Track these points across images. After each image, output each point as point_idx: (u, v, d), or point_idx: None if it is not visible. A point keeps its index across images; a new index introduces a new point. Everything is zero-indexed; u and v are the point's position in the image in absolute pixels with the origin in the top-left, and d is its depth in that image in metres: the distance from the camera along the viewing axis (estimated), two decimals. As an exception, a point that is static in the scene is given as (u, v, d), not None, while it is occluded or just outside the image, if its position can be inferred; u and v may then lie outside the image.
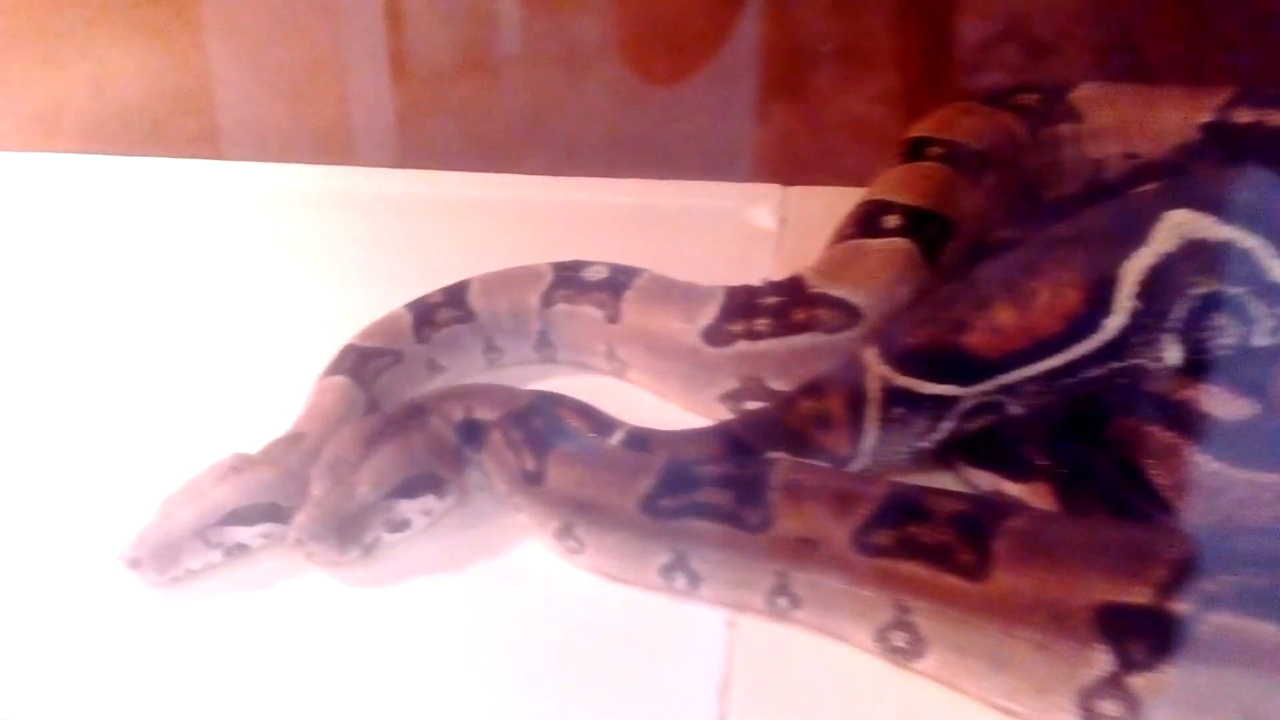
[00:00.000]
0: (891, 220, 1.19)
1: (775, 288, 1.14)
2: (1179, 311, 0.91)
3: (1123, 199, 0.99)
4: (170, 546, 0.93)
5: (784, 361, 1.10)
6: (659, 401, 1.18)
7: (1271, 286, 0.90)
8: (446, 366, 1.22)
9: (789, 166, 1.70)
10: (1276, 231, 0.90)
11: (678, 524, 0.89)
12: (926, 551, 0.82)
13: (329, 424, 1.05)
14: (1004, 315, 0.95)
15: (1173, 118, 1.48)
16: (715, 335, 1.12)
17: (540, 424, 1.00)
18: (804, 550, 0.86)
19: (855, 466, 1.01)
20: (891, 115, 1.67)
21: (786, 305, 1.11)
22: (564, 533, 0.94)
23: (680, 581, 0.91)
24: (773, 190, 1.60)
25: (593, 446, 0.97)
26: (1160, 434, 0.93)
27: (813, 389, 1.03)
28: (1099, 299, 0.92)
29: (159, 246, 1.48)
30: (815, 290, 1.11)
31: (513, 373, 1.24)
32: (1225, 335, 0.92)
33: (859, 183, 1.52)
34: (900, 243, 1.16)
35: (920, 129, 1.41)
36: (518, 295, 1.24)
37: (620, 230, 1.50)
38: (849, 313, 1.09)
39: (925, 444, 1.01)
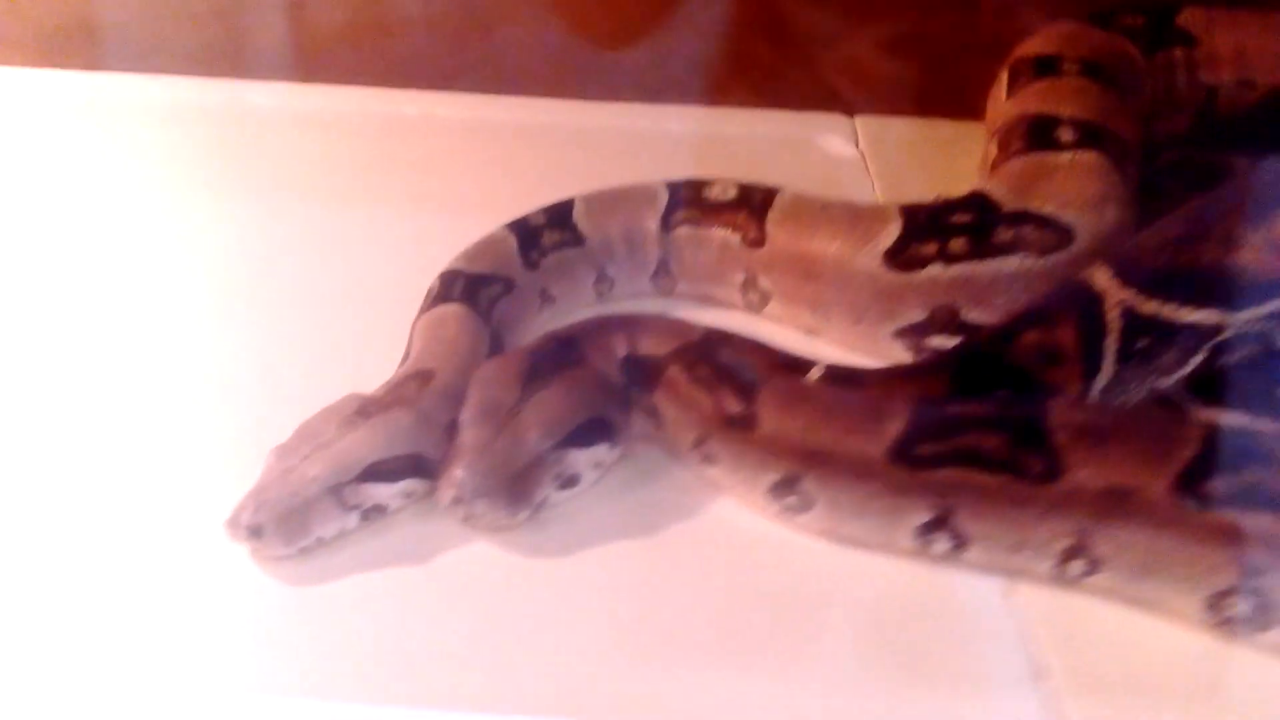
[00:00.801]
0: (1066, 134, 1.05)
1: (962, 205, 0.98)
2: None
3: None
4: (299, 509, 0.73)
5: (985, 289, 0.94)
6: (807, 339, 1.02)
7: None
8: (556, 297, 1.04)
9: (852, 95, 1.53)
10: None
11: (939, 475, 0.73)
12: (1273, 501, 0.67)
13: (459, 359, 0.86)
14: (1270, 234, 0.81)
15: (1286, 44, 1.36)
16: (901, 258, 0.95)
17: (730, 359, 0.82)
18: (1111, 504, 0.70)
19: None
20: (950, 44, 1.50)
21: (983, 224, 0.95)
22: (784, 488, 0.77)
23: (941, 544, 0.75)
24: (837, 119, 1.44)
25: (811, 388, 0.80)
26: None
27: (1037, 320, 0.88)
28: None
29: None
30: (1013, 208, 0.96)
31: (627, 307, 1.06)
32: None
33: (928, 112, 1.40)
34: (1091, 156, 1.01)
35: (1036, 48, 1.26)
36: (631, 217, 1.06)
37: (683, 159, 1.31)
38: (1060, 232, 0.94)
39: (1166, 382, 0.86)
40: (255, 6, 1.44)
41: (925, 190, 1.09)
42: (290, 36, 1.46)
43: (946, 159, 1.26)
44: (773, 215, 1.02)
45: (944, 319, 0.96)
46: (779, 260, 1.02)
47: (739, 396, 0.79)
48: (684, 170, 1.16)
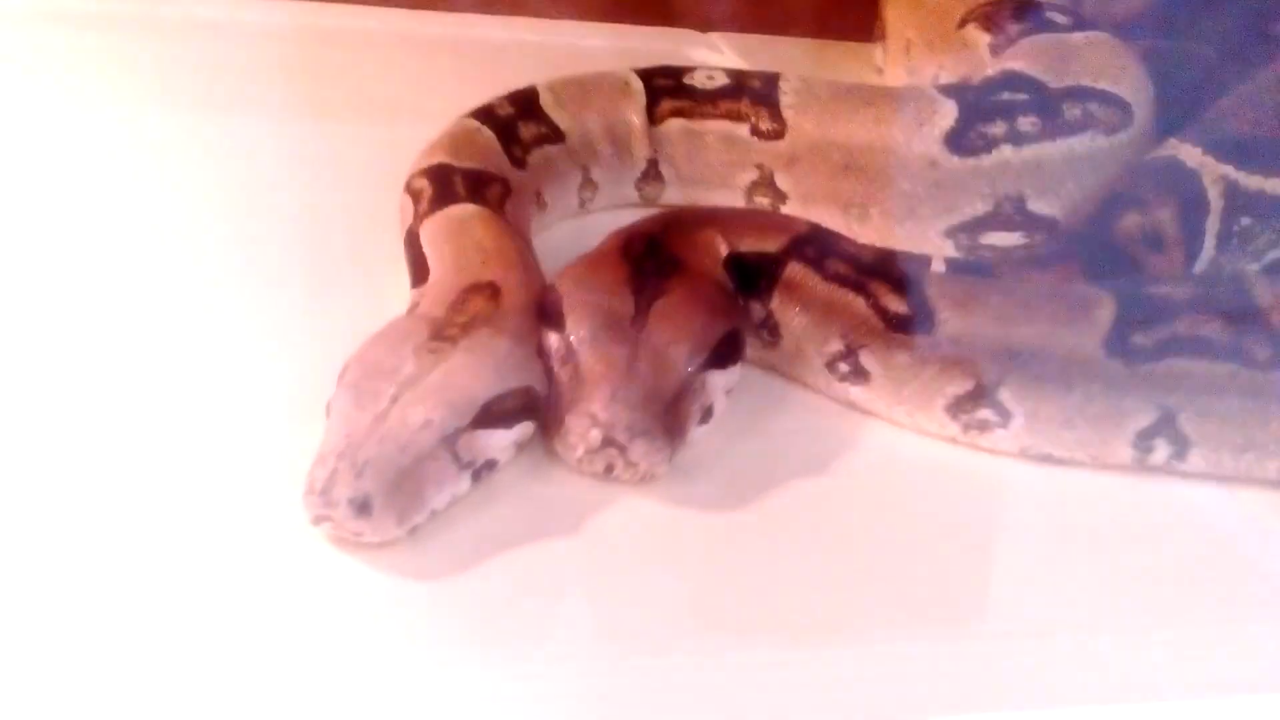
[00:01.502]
0: (1059, 17, 0.97)
1: (1004, 83, 0.88)
2: None
3: None
4: (411, 471, 0.51)
5: (1055, 173, 0.85)
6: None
7: None
8: (548, 203, 0.84)
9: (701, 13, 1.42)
10: None
11: (1160, 368, 0.62)
12: None
13: (518, 268, 0.66)
14: None
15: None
16: (964, 141, 0.83)
17: (859, 255, 0.67)
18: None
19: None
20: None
21: (1044, 102, 0.85)
22: (971, 401, 0.63)
23: (1161, 452, 0.63)
24: (694, 35, 1.33)
25: (980, 280, 0.66)
26: None
27: (1133, 202, 0.79)
28: None
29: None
30: (1063, 85, 0.86)
31: (619, 216, 0.89)
32: None
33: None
34: (1102, 36, 0.94)
35: None
36: (609, 109, 0.90)
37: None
38: (1122, 108, 0.86)
39: (1257, 265, 0.80)
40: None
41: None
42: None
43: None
44: (789, 101, 0.88)
45: (1008, 211, 0.85)
46: (806, 153, 0.87)
47: (899, 294, 0.64)
48: None
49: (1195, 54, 1.04)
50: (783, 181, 0.89)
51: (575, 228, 0.87)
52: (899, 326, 0.64)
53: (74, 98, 0.93)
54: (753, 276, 0.68)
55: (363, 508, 0.49)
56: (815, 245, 0.68)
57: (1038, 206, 0.85)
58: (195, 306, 0.70)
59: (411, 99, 1.03)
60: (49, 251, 0.74)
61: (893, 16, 1.13)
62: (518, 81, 0.91)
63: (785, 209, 0.89)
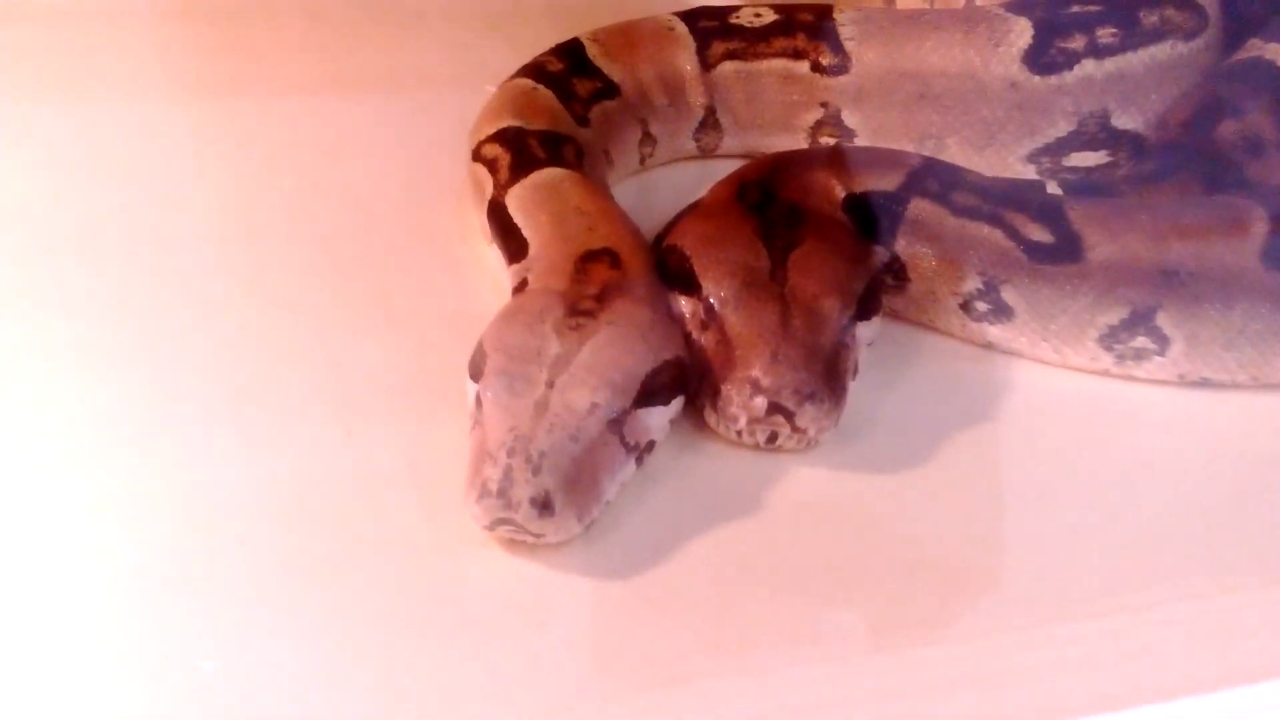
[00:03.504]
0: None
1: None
2: None
3: None
4: (584, 460, 0.46)
5: (1138, 85, 0.81)
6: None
7: None
8: (614, 160, 0.79)
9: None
10: None
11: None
12: None
13: (628, 231, 0.61)
14: None
15: None
16: (1045, 59, 0.79)
17: (978, 183, 0.63)
18: None
19: None
20: None
21: (1119, 12, 0.81)
22: (1129, 329, 0.60)
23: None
24: None
25: (1125, 198, 0.62)
26: None
27: (1227, 109, 0.75)
28: None
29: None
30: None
31: (679, 173, 0.85)
32: None
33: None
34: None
35: None
36: (660, 57, 0.84)
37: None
38: (1197, 12, 0.82)
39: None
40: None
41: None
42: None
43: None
44: (849, 32, 0.83)
45: (1094, 128, 0.81)
46: (874, 86, 0.82)
47: (1039, 222, 0.60)
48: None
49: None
50: (850, 118, 0.84)
51: (638, 185, 0.83)
52: (1045, 257, 0.60)
53: (79, 91, 0.87)
54: (873, 218, 0.63)
55: (545, 506, 0.45)
56: (936, 178, 0.64)
57: (1122, 122, 0.81)
58: (268, 304, 0.65)
59: (430, 66, 0.97)
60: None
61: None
62: (538, 42, 0.86)
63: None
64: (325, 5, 1.10)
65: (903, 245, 0.63)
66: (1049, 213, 0.61)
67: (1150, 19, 0.82)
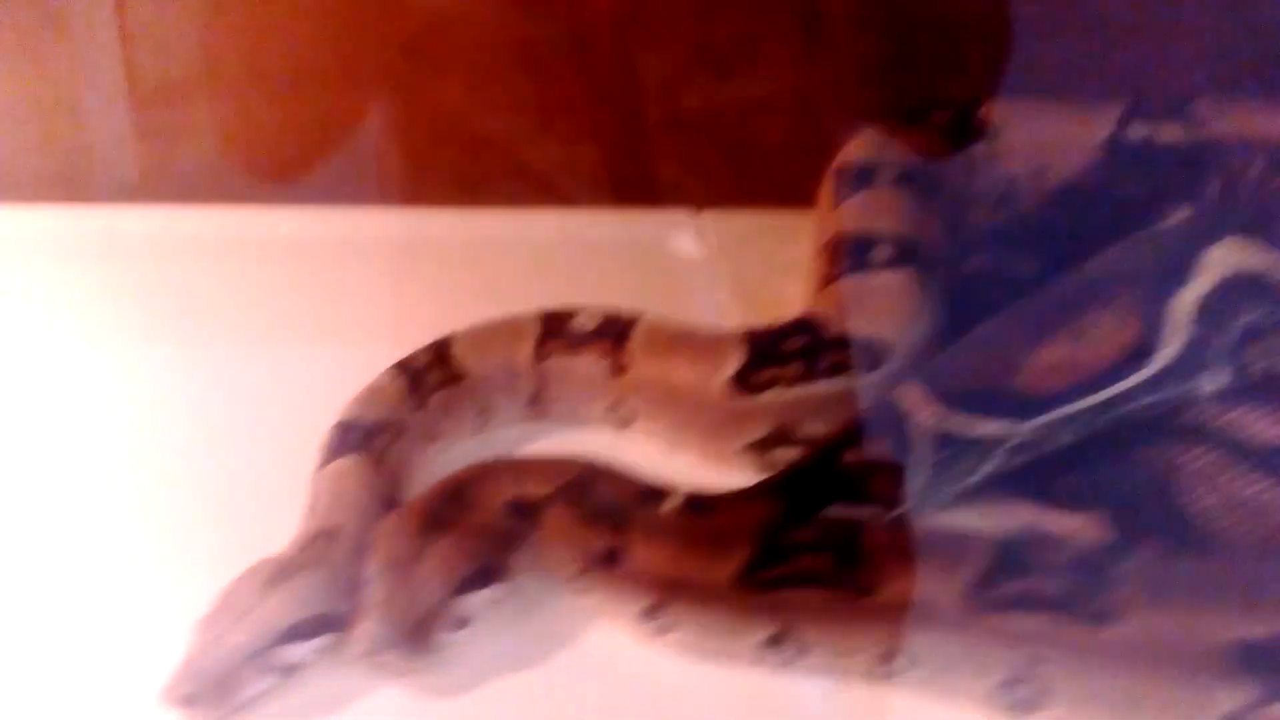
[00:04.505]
0: (881, 252, 1.20)
1: (793, 330, 1.12)
2: (1224, 339, 0.95)
3: (1154, 233, 1.02)
4: (226, 676, 0.83)
5: (817, 407, 1.09)
6: (671, 453, 1.15)
7: (1305, 311, 0.95)
8: (443, 431, 1.15)
9: (698, 189, 1.64)
10: (1306, 258, 0.95)
11: (780, 595, 0.87)
12: (1049, 605, 0.82)
13: (360, 513, 0.96)
14: (1056, 353, 0.97)
15: (1075, 134, 1.55)
16: (744, 384, 1.09)
17: (602, 496, 0.95)
18: (916, 613, 0.84)
19: (900, 512, 1.00)
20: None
21: (812, 348, 1.10)
22: (650, 614, 0.90)
23: (785, 653, 0.88)
24: (686, 216, 1.55)
25: (670, 520, 0.93)
26: (1204, 458, 0.97)
27: (856, 435, 1.02)
28: (1147, 334, 0.95)
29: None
30: (836, 332, 1.10)
31: (508, 433, 1.18)
32: (1263, 359, 0.96)
33: (770, 205, 1.50)
34: (903, 275, 1.16)
35: (853, 155, 1.42)
36: (507, 351, 1.18)
37: (537, 268, 1.42)
38: (878, 352, 1.09)
39: (972, 481, 1.02)
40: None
41: (772, 289, 1.23)
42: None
43: (792, 253, 1.35)
44: (633, 343, 1.15)
45: (784, 434, 1.10)
46: (641, 386, 1.14)
47: (609, 534, 0.91)
48: (548, 278, 1.28)
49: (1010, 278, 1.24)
50: (629, 406, 1.17)
51: (472, 447, 1.14)
52: (604, 560, 0.91)
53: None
54: (528, 516, 0.96)
55: (188, 700, 0.81)
56: (572, 491, 0.95)
57: (807, 430, 1.10)
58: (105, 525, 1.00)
59: (382, 314, 1.28)
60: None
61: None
62: (482, 287, 1.19)
63: (635, 424, 1.17)
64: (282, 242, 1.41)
65: (540, 538, 0.95)
66: (614, 527, 0.92)
67: (831, 359, 1.08)
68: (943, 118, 1.53)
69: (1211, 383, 0.96)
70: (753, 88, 1.67)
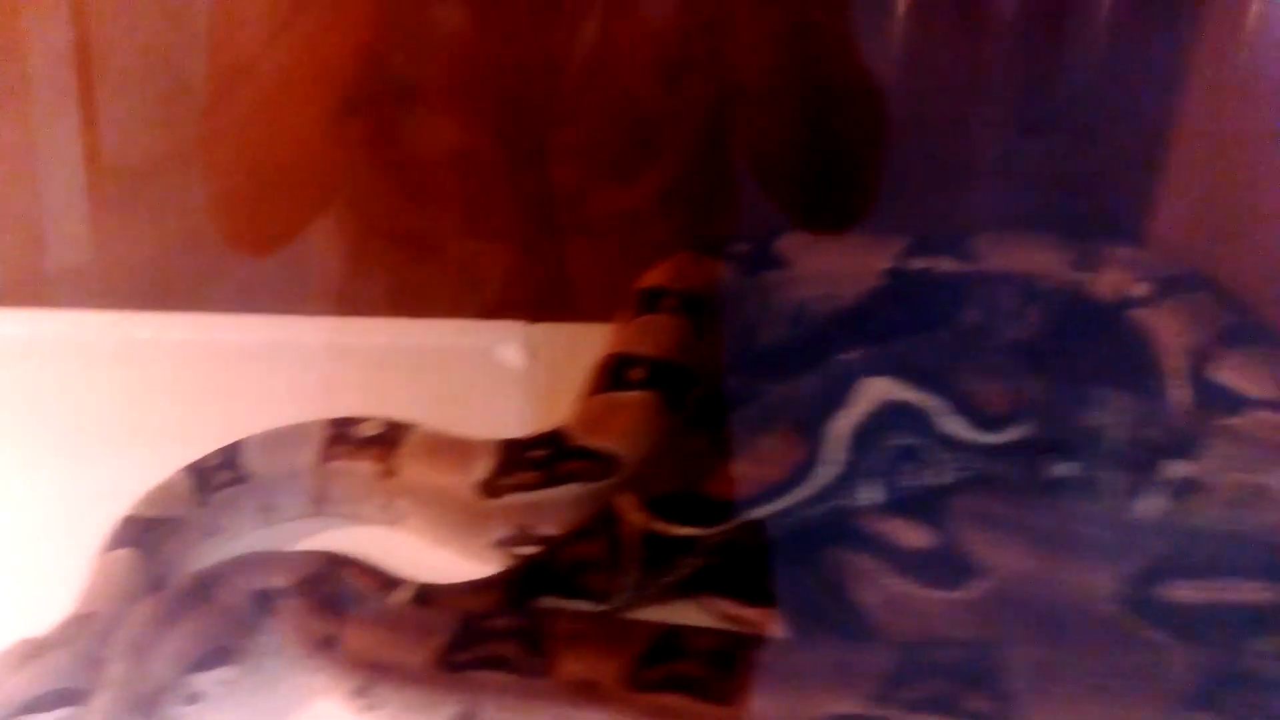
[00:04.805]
0: (637, 373, 1.36)
1: (541, 441, 1.27)
2: (875, 460, 1.11)
3: (828, 366, 1.18)
4: None
5: (552, 510, 1.23)
6: (435, 548, 1.28)
7: (945, 437, 1.11)
8: (225, 527, 1.27)
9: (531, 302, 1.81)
10: (949, 392, 1.12)
11: (469, 676, 1.00)
12: (686, 684, 0.96)
13: (118, 600, 1.08)
14: (740, 465, 1.12)
15: (860, 264, 1.75)
16: (489, 488, 1.23)
17: (332, 589, 1.08)
18: (582, 691, 0.98)
19: (618, 604, 1.14)
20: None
21: (553, 458, 1.24)
22: (361, 692, 1.03)
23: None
24: (518, 327, 1.70)
25: (386, 609, 1.06)
26: (864, 562, 1.12)
27: (578, 536, 1.17)
28: (811, 453, 1.10)
29: None
30: (577, 443, 1.25)
31: (288, 529, 1.31)
32: (912, 478, 1.12)
33: (598, 318, 1.64)
34: (647, 395, 1.32)
35: (650, 280, 1.60)
36: (293, 455, 1.31)
37: (365, 374, 1.55)
38: (608, 463, 1.24)
39: (677, 578, 1.16)
40: None
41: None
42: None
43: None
44: (403, 450, 1.29)
45: (525, 534, 1.24)
46: (407, 488, 1.28)
47: (330, 621, 1.04)
48: (369, 386, 1.42)
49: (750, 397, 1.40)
50: (399, 505, 1.30)
51: (254, 541, 1.26)
52: (324, 645, 1.04)
53: None
54: (268, 606, 1.09)
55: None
56: (310, 583, 1.08)
57: (544, 530, 1.23)
58: None
59: (205, 417, 1.37)
60: None
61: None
62: (310, 392, 1.34)
63: (406, 521, 1.30)
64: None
65: (276, 625, 1.08)
66: (336, 616, 1.05)
67: (566, 467, 1.24)
68: (744, 248, 1.72)
69: (868, 496, 1.12)
70: (588, 210, 1.85)
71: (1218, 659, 0.92)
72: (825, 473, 1.10)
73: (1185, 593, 1.01)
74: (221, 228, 1.64)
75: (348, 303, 1.73)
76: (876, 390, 1.10)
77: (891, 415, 1.10)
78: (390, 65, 1.65)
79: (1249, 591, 1.01)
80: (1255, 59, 1.72)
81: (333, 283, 1.80)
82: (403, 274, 1.82)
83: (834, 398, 1.11)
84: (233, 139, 1.63)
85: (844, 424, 1.10)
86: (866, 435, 1.10)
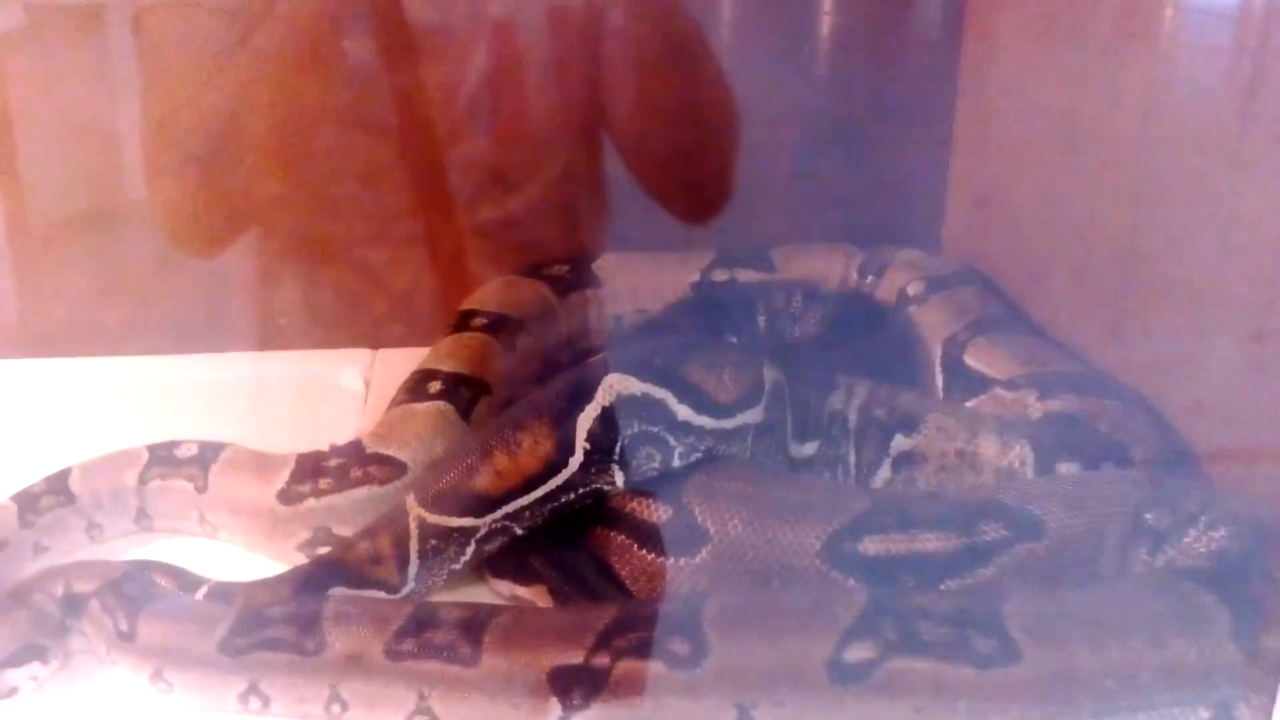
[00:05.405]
0: (434, 386, 1.50)
1: (339, 451, 1.41)
2: (619, 447, 1.26)
3: (580, 366, 1.33)
4: None
5: (345, 512, 1.36)
6: (249, 554, 1.41)
7: (678, 424, 1.26)
8: (50, 546, 1.39)
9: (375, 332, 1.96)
10: (679, 385, 1.27)
11: (250, 658, 1.13)
12: (438, 650, 1.09)
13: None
14: (500, 461, 1.26)
15: (670, 279, 1.91)
16: (287, 495, 1.36)
17: (132, 590, 1.20)
18: (350, 665, 1.11)
19: (405, 592, 1.27)
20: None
21: (347, 465, 1.38)
22: (156, 677, 1.15)
23: (255, 704, 1.14)
24: (363, 354, 1.86)
25: (177, 603, 1.19)
26: (616, 537, 1.27)
27: (367, 533, 1.30)
28: (563, 443, 1.25)
29: None
30: (370, 450, 1.39)
31: (115, 544, 1.43)
32: (651, 460, 1.27)
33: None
34: (439, 405, 1.46)
35: (469, 302, 1.75)
36: (116, 477, 1.43)
37: (220, 405, 1.68)
38: (396, 467, 1.37)
39: (458, 565, 1.30)
40: None
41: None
42: None
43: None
44: (214, 467, 1.42)
45: (323, 536, 1.37)
46: (217, 502, 1.41)
47: (127, 618, 1.17)
48: (214, 416, 1.55)
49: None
50: (211, 519, 1.42)
51: (82, 556, 1.40)
52: (122, 639, 1.17)
53: None
54: (75, 607, 1.21)
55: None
56: (112, 586, 1.21)
57: (340, 531, 1.37)
58: None
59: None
60: None
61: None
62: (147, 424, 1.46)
63: (220, 533, 1.42)
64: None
65: (83, 624, 1.20)
66: (131, 615, 1.17)
67: (356, 473, 1.37)
68: (561, 269, 1.87)
69: (616, 479, 1.27)
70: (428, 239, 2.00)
71: (884, 596, 1.08)
72: (575, 461, 1.25)
73: (875, 545, 1.17)
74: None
75: (211, 340, 1.88)
76: (614, 385, 1.25)
77: (628, 407, 1.25)
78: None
79: (931, 541, 1.17)
80: (1005, 78, 1.93)
81: (195, 323, 1.95)
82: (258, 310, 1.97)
83: (581, 393, 1.26)
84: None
85: (588, 416, 1.25)
86: (608, 425, 1.25)
